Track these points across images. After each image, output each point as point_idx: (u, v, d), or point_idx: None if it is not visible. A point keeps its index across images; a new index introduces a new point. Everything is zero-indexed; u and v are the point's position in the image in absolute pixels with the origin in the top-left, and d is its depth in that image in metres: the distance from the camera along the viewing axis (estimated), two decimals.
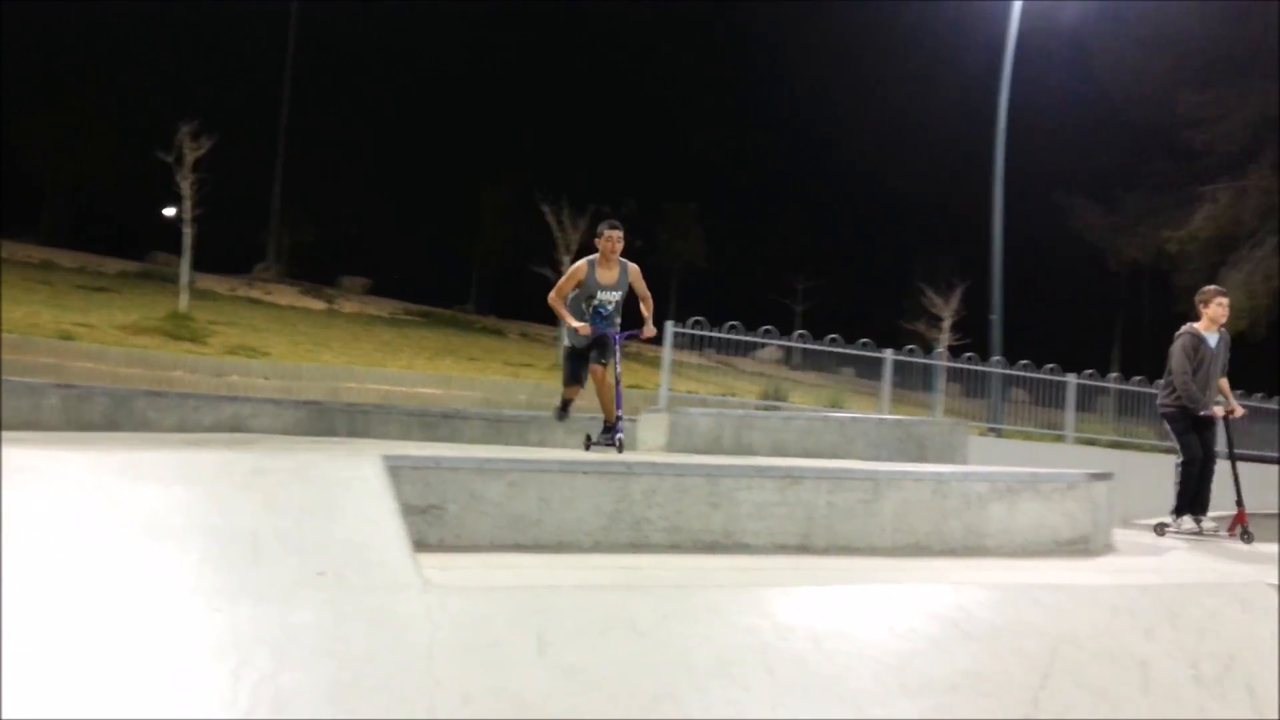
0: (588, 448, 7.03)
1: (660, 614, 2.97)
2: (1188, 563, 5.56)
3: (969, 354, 17.68)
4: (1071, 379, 16.61)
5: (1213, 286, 8.01)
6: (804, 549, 4.62)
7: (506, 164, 34.61)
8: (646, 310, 7.15)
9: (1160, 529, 7.46)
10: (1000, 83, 19.14)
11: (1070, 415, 16.52)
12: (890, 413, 14.47)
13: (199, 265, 22.59)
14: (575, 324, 6.81)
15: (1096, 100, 27.31)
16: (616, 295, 6.98)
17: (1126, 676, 3.16)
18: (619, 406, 6.83)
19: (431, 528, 4.04)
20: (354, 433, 8.26)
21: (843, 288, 35.37)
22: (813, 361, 16.85)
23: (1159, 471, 14.18)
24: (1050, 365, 16.83)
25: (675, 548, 4.35)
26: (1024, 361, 16.92)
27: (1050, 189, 27.49)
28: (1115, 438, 16.85)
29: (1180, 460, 7.62)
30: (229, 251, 30.28)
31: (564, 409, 7.56)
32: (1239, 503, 7.29)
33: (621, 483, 4.37)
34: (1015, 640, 3.29)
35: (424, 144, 36.27)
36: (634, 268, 7.04)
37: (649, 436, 8.12)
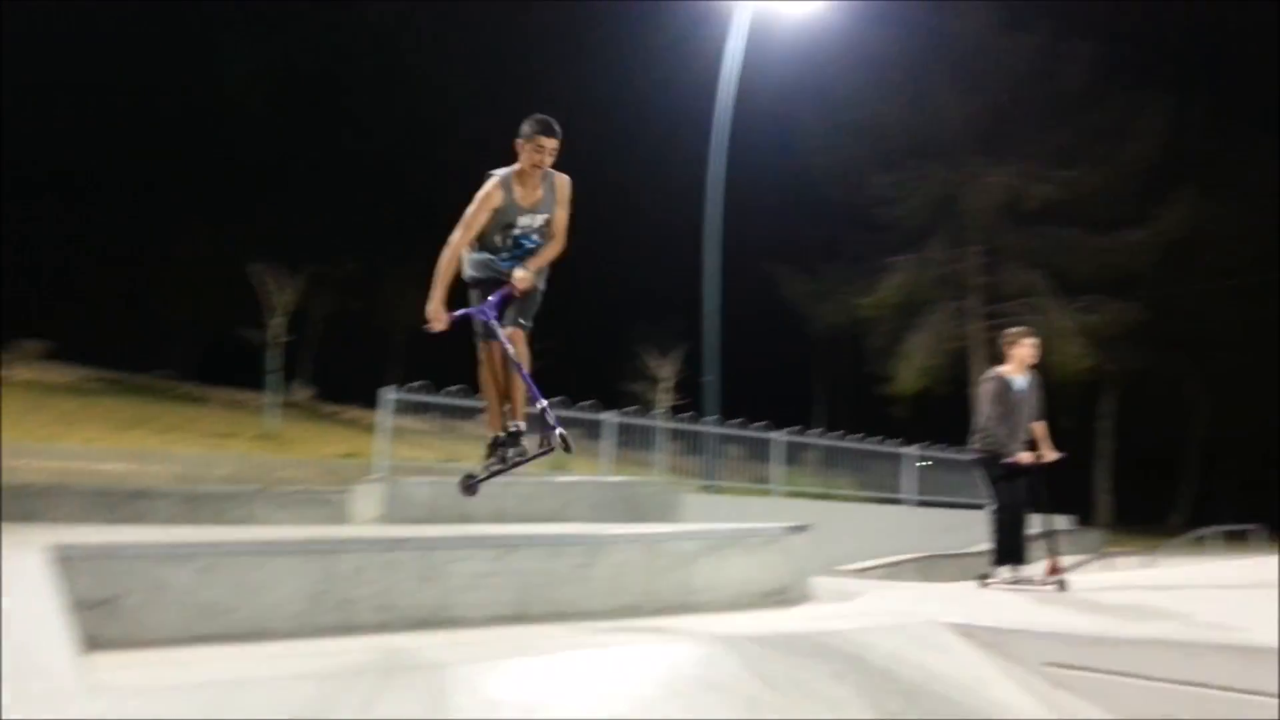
0: (471, 491, 5.05)
1: (363, 701, 2.84)
2: (875, 607, 6.00)
3: (688, 414, 18.50)
4: (778, 436, 17.74)
5: (1019, 328, 7.62)
6: (520, 618, 4.58)
7: (211, 217, 32.28)
8: (546, 255, 5.02)
9: (982, 580, 7.18)
10: (712, 157, 20.42)
11: (778, 470, 17.62)
12: (615, 473, 14.80)
13: None
14: (433, 307, 4.76)
15: (802, 178, 29.85)
16: (541, 220, 4.97)
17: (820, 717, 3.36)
18: (539, 396, 4.68)
19: (109, 623, 3.64)
20: (24, 517, 7.31)
21: (575, 349, 36.00)
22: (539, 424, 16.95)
23: (858, 520, 15.48)
24: (760, 423, 17.91)
25: (385, 627, 4.18)
26: (736, 420, 17.91)
27: (761, 258, 29.58)
28: (820, 489, 18.14)
29: (993, 509, 7.22)
30: None
31: (496, 442, 5.02)
32: (1052, 551, 6.93)
33: (326, 561, 4.16)
34: (719, 693, 3.43)
35: (115, 193, 33.02)
36: (564, 181, 5.00)
37: (363, 508, 7.79)
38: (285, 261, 22.62)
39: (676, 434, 17.74)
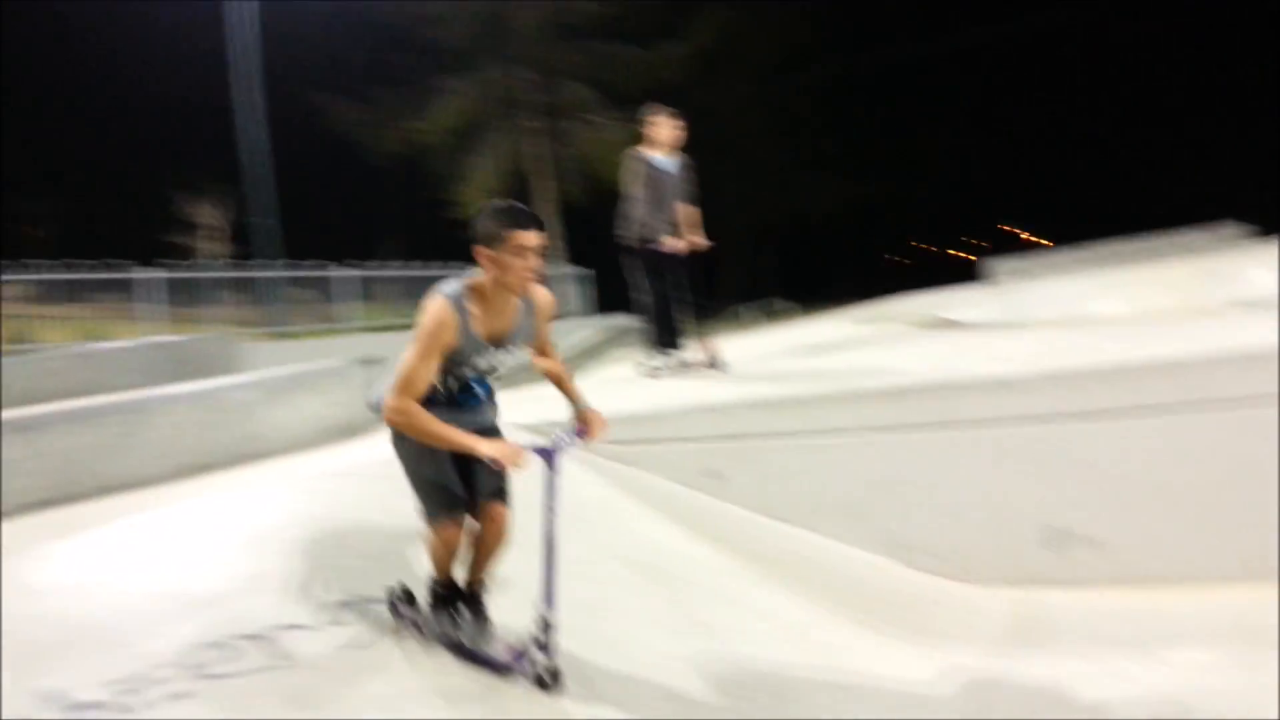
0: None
1: None
2: None
3: (251, 260, 17.32)
4: (342, 273, 17.23)
5: (656, 106, 7.02)
6: (60, 500, 4.20)
7: None
8: (566, 379, 3.30)
9: (651, 371, 6.74)
10: None
11: (350, 307, 17.22)
12: (168, 333, 13.59)
13: None
14: (486, 451, 2.68)
15: (344, 3, 27.97)
16: (511, 360, 3.16)
17: (380, 544, 3.46)
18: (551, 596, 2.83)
19: None
20: None
21: (101, 206, 31.65)
22: (66, 293, 14.93)
23: None
24: (328, 261, 17.23)
25: None
26: (303, 261, 17.11)
27: (308, 88, 27.70)
28: (396, 321, 17.94)
29: (644, 298, 6.74)
30: None
31: (448, 595, 3.08)
32: (705, 334, 6.79)
33: None
34: (296, 530, 3.44)
35: None
36: (546, 296, 3.17)
37: None
38: None
39: (235, 283, 16.60)
